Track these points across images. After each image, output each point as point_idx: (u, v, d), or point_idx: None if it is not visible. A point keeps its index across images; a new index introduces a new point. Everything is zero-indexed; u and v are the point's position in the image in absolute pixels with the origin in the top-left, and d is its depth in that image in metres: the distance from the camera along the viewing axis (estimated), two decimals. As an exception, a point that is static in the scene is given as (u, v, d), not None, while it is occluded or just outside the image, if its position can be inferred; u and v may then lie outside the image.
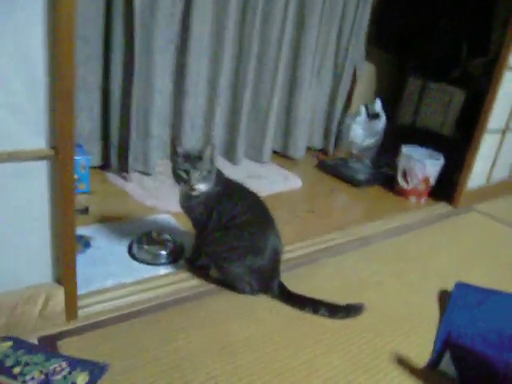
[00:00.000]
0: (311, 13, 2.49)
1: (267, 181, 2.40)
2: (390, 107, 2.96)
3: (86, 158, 1.95)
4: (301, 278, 1.58)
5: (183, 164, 1.36)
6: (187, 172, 1.35)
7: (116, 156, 2.16)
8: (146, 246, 1.60)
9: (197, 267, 1.54)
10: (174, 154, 1.39)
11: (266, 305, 1.43)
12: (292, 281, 1.50)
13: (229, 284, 1.46)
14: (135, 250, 1.59)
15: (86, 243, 1.56)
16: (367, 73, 3.12)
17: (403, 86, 3.18)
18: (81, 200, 1.86)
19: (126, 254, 1.58)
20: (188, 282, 1.49)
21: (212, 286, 1.48)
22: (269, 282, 1.44)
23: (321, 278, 1.63)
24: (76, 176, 1.83)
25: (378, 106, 2.77)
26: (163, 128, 2.28)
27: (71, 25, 0.96)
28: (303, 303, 1.41)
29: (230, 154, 2.56)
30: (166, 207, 1.92)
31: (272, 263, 1.43)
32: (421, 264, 1.84)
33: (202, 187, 1.37)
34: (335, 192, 2.50)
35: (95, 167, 2.20)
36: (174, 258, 1.60)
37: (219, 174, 1.45)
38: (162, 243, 1.63)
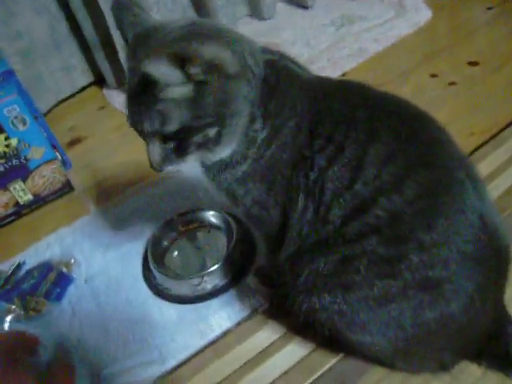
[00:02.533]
0: None
1: (370, 24, 1.34)
2: None
3: (15, 100, 0.84)
4: None
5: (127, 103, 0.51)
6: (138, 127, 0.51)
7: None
8: (175, 254, 0.78)
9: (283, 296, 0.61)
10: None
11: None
12: None
13: (374, 359, 0.60)
14: (155, 270, 0.75)
15: (57, 283, 0.76)
16: None
17: None
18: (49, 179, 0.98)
19: (142, 282, 0.77)
20: (286, 349, 0.65)
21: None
22: (483, 342, 0.56)
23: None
24: (12, 142, 0.87)
25: None
26: None
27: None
28: None
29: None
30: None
31: (490, 294, 0.51)
32: None
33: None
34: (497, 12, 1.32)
35: (84, 88, 1.33)
36: (238, 272, 0.75)
37: (279, 78, 0.53)
38: (206, 241, 0.79)
